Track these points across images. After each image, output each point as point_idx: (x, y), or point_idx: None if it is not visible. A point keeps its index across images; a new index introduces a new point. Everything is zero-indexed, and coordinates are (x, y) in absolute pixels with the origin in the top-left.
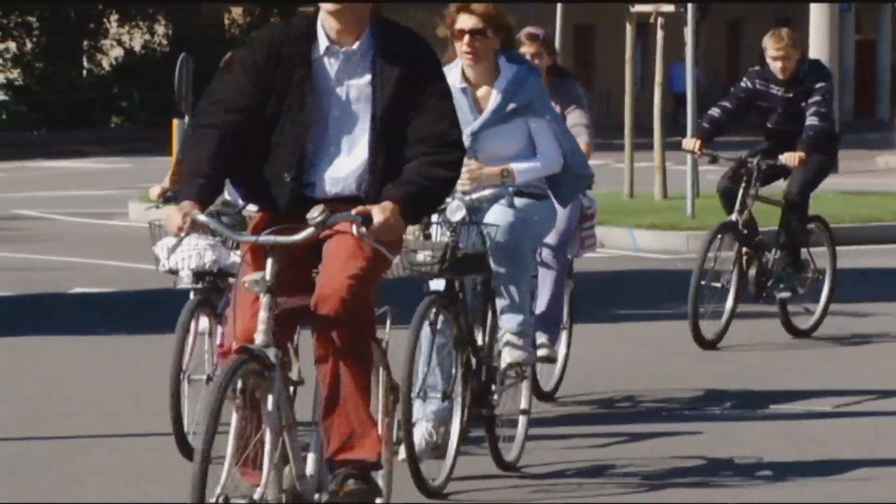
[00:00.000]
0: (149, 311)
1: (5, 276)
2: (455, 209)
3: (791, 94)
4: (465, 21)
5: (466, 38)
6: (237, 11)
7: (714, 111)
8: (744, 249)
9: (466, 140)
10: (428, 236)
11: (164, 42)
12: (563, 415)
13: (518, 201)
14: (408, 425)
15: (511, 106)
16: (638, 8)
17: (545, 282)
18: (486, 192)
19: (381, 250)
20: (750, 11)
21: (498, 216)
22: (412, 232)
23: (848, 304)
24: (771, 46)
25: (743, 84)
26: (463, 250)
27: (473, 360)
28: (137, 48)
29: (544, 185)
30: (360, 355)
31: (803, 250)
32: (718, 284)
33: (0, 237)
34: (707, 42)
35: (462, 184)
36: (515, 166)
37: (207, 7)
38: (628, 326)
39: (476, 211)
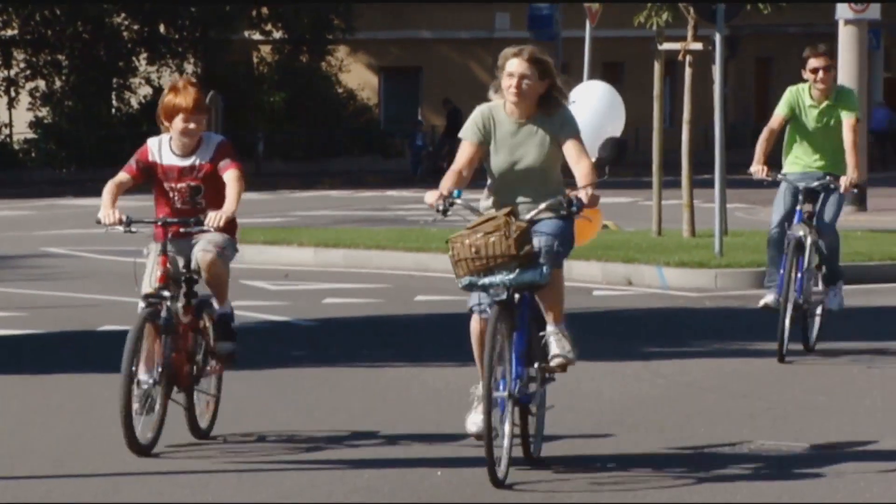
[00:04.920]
0: None
1: (35, 314)
2: None
3: None
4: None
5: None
6: (266, 49)
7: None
8: None
9: None
10: None
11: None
12: (592, 453)
13: None
14: None
15: None
16: (666, 46)
17: None
18: None
19: None
20: (779, 49)
21: None
22: None
23: (878, 342)
24: None
25: None
26: None
27: None
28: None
29: None
30: None
31: None
32: None
33: (30, 275)
34: (736, 80)
35: None
36: None
37: (236, 45)
38: (657, 364)
39: None
